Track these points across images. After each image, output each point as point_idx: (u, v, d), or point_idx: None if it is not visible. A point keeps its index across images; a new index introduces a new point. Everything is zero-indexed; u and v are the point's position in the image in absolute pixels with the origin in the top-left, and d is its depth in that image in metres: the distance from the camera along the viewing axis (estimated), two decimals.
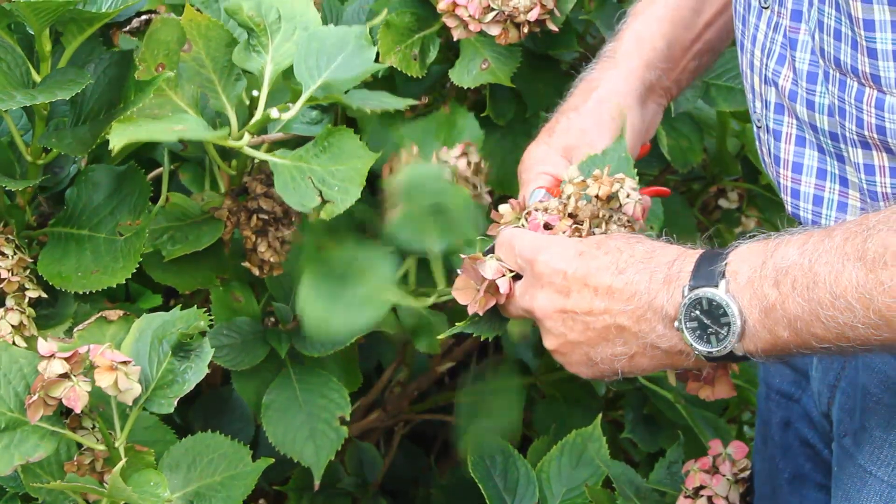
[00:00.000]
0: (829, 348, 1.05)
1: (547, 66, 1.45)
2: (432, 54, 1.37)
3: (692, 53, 1.35)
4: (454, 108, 1.41)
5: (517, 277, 1.16)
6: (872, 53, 1.04)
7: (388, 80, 1.45)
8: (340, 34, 1.24)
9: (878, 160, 1.08)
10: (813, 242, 1.04)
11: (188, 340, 1.08)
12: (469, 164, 1.33)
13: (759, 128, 1.18)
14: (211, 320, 1.11)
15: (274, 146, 1.29)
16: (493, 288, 1.15)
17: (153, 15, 1.32)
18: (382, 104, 1.27)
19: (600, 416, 1.39)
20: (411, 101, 1.28)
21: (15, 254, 1.20)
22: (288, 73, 1.23)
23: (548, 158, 1.27)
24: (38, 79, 1.19)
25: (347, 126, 1.26)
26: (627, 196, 1.18)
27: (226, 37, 1.22)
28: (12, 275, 1.19)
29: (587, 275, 1.13)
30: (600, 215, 1.19)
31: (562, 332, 1.15)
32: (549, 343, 1.17)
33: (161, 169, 1.34)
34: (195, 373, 1.08)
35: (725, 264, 1.07)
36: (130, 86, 1.17)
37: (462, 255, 1.16)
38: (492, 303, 1.16)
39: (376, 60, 1.27)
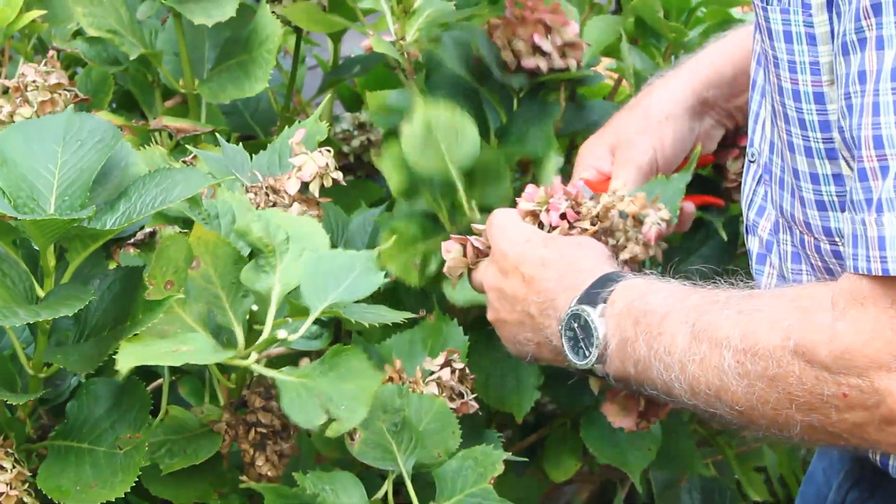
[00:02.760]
0: (660, 397, 1.13)
1: None
2: (434, 266, 1.39)
3: None
4: (439, 317, 1.43)
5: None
6: (803, 202, 1.12)
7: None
8: (349, 258, 1.25)
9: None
10: (675, 297, 1.13)
11: None
12: (453, 371, 1.34)
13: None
14: None
15: (276, 360, 1.30)
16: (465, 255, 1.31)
17: (157, 227, 1.34)
18: (381, 318, 1.28)
19: None
20: (409, 315, 1.29)
21: (14, 467, 1.19)
22: (294, 292, 1.24)
23: (596, 152, 1.40)
24: (41, 294, 1.19)
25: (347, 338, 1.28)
26: (652, 221, 1.27)
27: (233, 254, 1.23)
28: (10, 488, 1.18)
29: (521, 262, 1.24)
30: (621, 227, 1.28)
31: (497, 309, 1.27)
32: (488, 315, 1.29)
33: (161, 380, 1.34)
34: None
35: (611, 291, 1.16)
36: (139, 304, 1.17)
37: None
38: (459, 268, 1.31)
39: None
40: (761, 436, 1.09)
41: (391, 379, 1.34)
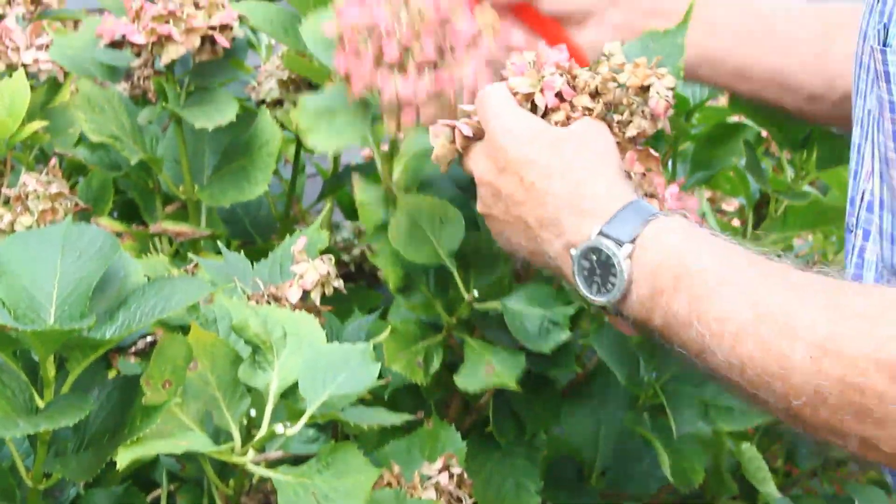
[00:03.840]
0: (684, 356, 1.07)
1: (545, 387, 1.47)
2: (436, 363, 1.39)
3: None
4: (437, 424, 1.43)
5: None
6: None
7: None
8: (344, 351, 1.26)
9: None
10: (732, 262, 1.06)
11: None
12: (451, 476, 1.34)
13: None
14: None
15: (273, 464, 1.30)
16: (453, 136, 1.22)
17: (158, 335, 1.35)
18: (379, 420, 1.28)
19: None
20: (408, 417, 1.29)
21: None
22: (289, 389, 1.25)
23: None
24: (41, 404, 1.20)
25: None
26: (658, 92, 1.19)
27: (231, 355, 1.24)
28: None
29: (523, 164, 1.16)
30: (624, 102, 1.19)
31: (488, 205, 1.21)
32: (478, 206, 1.23)
33: (159, 490, 1.34)
34: None
35: (642, 230, 1.09)
36: (137, 411, 1.18)
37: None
38: (448, 157, 1.22)
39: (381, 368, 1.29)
40: (798, 430, 1.04)
41: (389, 484, 1.33)
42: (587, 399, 1.53)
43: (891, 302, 1.00)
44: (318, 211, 1.76)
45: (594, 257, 1.11)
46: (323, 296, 1.34)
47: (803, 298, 1.02)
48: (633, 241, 1.09)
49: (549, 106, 1.20)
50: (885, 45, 1.10)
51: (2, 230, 1.46)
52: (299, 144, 1.71)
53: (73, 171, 1.66)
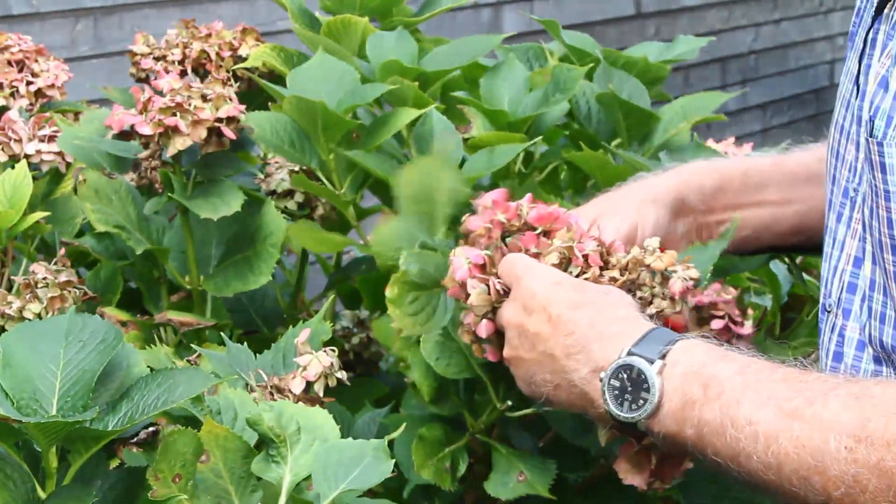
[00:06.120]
0: (719, 464, 1.11)
1: (559, 484, 1.45)
2: (462, 467, 1.39)
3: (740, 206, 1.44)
4: None
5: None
6: None
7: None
8: (359, 447, 1.25)
9: None
10: (755, 369, 1.11)
11: None
12: None
13: None
14: None
15: None
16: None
17: (161, 424, 1.34)
18: None
19: None
20: None
21: None
22: (300, 484, 1.24)
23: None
24: (43, 495, 1.19)
25: None
26: (679, 278, 1.27)
27: (243, 448, 1.23)
28: None
29: (550, 302, 1.23)
30: (647, 282, 1.29)
31: (515, 346, 1.25)
32: (505, 352, 1.28)
33: None
34: None
35: (669, 348, 1.15)
36: None
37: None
38: (484, 306, 1.29)
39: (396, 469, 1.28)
40: None
41: None
42: (602, 498, 1.52)
43: None
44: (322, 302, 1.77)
45: (625, 375, 1.15)
46: (326, 387, 1.34)
47: (826, 393, 1.06)
48: (662, 358, 1.15)
49: (582, 268, 1.28)
50: (871, 135, 1.16)
51: (10, 316, 1.47)
52: None
53: (75, 261, 1.67)
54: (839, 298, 1.26)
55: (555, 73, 1.70)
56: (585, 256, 1.27)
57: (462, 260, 1.30)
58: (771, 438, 1.07)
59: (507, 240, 1.32)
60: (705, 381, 1.12)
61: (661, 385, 1.14)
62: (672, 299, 1.28)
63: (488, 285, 1.30)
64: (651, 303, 1.29)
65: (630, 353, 1.16)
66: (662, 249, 1.30)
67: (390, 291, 1.36)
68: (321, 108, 1.55)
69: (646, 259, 1.28)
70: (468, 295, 1.30)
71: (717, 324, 1.34)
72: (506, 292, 1.28)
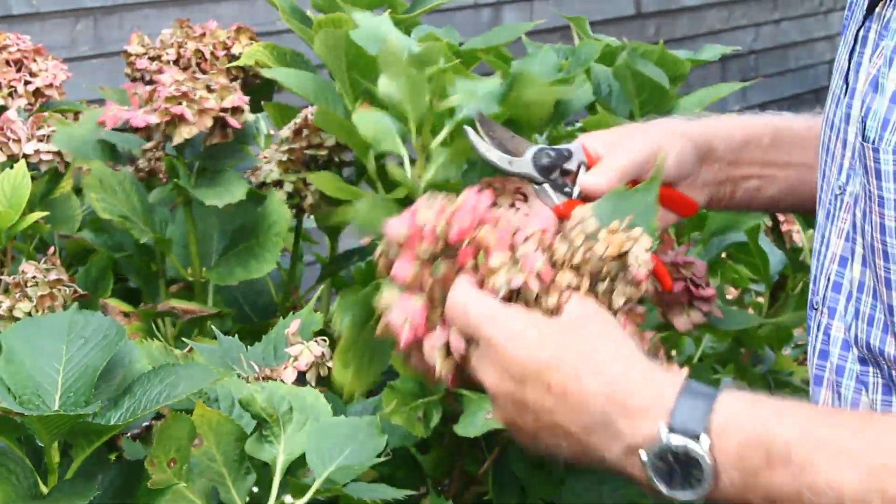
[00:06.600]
0: None
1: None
2: (435, 418, 1.39)
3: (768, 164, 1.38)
4: (434, 500, 1.43)
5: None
6: None
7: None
8: (352, 424, 1.26)
9: None
10: (812, 425, 1.04)
11: None
12: None
13: None
14: None
15: None
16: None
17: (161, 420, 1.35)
18: (382, 495, 1.28)
19: None
20: (410, 492, 1.30)
21: None
22: (294, 464, 1.25)
23: (593, 135, 1.33)
24: (45, 490, 1.19)
25: None
26: (636, 258, 1.13)
27: (236, 431, 1.24)
28: None
29: (543, 370, 1.09)
30: (604, 270, 1.14)
31: (512, 416, 1.12)
32: (497, 416, 1.14)
33: None
34: None
35: (710, 415, 1.05)
36: (142, 496, 1.18)
37: None
38: (450, 370, 1.14)
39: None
40: None
41: None
42: (590, 471, 1.51)
43: None
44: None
45: (671, 458, 1.05)
46: (318, 377, 1.34)
47: (892, 435, 1.03)
48: (707, 430, 1.05)
49: (531, 287, 1.13)
50: (864, 138, 1.14)
51: (1, 316, 1.48)
52: (298, 232, 1.73)
53: (73, 259, 1.68)
54: (824, 296, 1.24)
55: (576, 49, 1.72)
56: (538, 275, 1.13)
57: (400, 316, 1.15)
58: (859, 499, 1.01)
59: (440, 269, 1.16)
60: (766, 447, 1.04)
61: (715, 464, 1.04)
62: (638, 283, 1.14)
63: (448, 348, 1.15)
64: (613, 290, 1.14)
65: (672, 431, 1.05)
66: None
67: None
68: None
69: (594, 248, 1.13)
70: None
71: (677, 286, 1.29)
72: (468, 340, 1.14)
